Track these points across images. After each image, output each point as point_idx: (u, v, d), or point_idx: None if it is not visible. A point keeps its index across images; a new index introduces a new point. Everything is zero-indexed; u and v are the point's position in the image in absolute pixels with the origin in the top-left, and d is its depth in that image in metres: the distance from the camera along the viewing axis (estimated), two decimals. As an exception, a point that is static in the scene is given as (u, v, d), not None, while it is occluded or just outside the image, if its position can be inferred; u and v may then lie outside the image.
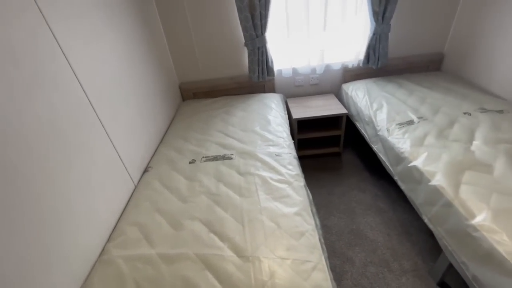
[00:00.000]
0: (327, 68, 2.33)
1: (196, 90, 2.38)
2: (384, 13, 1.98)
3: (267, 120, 1.90)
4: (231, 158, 1.50)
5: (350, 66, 2.31)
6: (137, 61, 1.62)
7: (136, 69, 1.61)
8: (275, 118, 1.93)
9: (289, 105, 2.33)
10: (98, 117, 1.19)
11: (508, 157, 1.22)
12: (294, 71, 2.32)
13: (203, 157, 1.54)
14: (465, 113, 1.61)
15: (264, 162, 1.44)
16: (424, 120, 1.61)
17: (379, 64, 2.19)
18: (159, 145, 1.78)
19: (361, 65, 2.27)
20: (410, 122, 1.62)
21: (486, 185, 1.13)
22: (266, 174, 1.36)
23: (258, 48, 2.07)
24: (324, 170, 2.21)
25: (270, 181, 1.31)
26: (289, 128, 1.88)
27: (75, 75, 1.07)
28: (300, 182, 1.33)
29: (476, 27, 1.99)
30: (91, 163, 1.09)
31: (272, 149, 1.57)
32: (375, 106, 1.90)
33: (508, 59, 1.77)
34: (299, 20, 2.09)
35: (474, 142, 1.36)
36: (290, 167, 1.42)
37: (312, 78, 2.39)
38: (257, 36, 2.03)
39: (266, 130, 1.78)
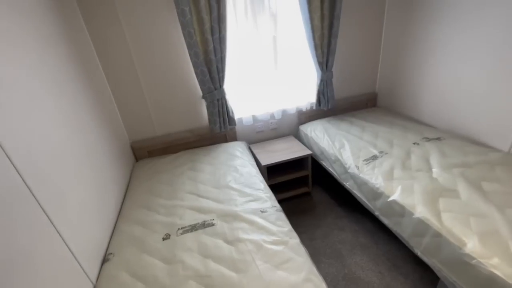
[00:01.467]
0: (284, 112, 2.43)
1: (151, 148, 2.16)
2: (327, 63, 2.23)
3: (238, 171, 1.81)
4: (213, 224, 1.32)
5: (304, 109, 2.47)
6: (81, 126, 1.38)
7: (81, 134, 1.35)
8: (245, 168, 1.86)
9: (254, 151, 2.30)
10: (40, 206, 0.91)
11: (465, 180, 1.39)
12: (254, 118, 2.35)
13: (178, 228, 1.32)
14: (414, 143, 1.82)
15: (251, 223, 1.31)
16: (385, 154, 1.75)
17: (329, 106, 2.39)
18: (117, 221, 1.47)
19: (314, 107, 2.45)
20: (374, 157, 1.74)
21: (460, 210, 1.23)
22: (257, 237, 1.22)
23: (218, 100, 2.05)
24: (299, 213, 2.17)
25: (265, 244, 1.18)
26: (262, 176, 1.81)
27: (7, 157, 0.82)
28: (295, 238, 1.23)
29: (397, 68, 2.40)
30: (32, 274, 0.79)
31: (255, 205, 1.45)
32: (337, 145, 2.01)
33: (429, 93, 2.14)
34: (254, 72, 2.18)
35: (434, 170, 1.52)
36: (279, 223, 1.32)
37: (271, 123, 2.45)
38: (215, 89, 2.01)
39: (241, 183, 1.67)
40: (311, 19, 2.01)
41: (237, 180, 1.70)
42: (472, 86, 1.79)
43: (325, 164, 2.14)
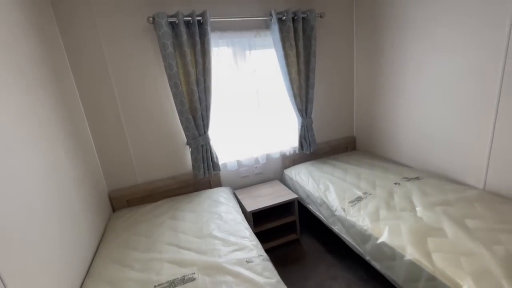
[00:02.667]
0: (268, 157, 2.47)
1: (130, 197, 2.06)
2: (306, 110, 2.38)
3: (222, 218, 1.73)
4: (194, 279, 1.20)
5: (287, 153, 2.53)
6: (54, 174, 1.31)
7: (53, 184, 1.27)
8: (230, 215, 1.78)
9: (239, 197, 2.24)
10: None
11: (449, 218, 1.39)
12: (239, 163, 2.35)
13: (155, 286, 1.18)
14: (395, 183, 1.86)
15: (236, 275, 1.20)
16: (369, 195, 1.76)
17: (311, 150, 2.47)
18: (84, 280, 1.31)
19: (297, 151, 2.52)
20: (359, 199, 1.74)
21: (450, 250, 1.21)
22: (243, 291, 1.11)
23: (202, 146, 2.06)
24: (288, 263, 2.03)
25: (251, 299, 1.07)
26: (248, 223, 1.73)
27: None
28: (284, 291, 1.13)
29: (371, 113, 2.58)
30: None
31: (240, 255, 1.35)
32: (322, 187, 2.01)
33: (404, 135, 2.27)
34: (238, 118, 2.27)
35: (417, 209, 1.53)
36: (266, 273, 1.22)
37: (256, 167, 2.46)
38: (200, 135, 2.04)
39: (225, 231, 1.58)
40: (289, 72, 2.21)
41: (221, 228, 1.61)
42: (441, 129, 1.93)
43: (311, 208, 2.11)
